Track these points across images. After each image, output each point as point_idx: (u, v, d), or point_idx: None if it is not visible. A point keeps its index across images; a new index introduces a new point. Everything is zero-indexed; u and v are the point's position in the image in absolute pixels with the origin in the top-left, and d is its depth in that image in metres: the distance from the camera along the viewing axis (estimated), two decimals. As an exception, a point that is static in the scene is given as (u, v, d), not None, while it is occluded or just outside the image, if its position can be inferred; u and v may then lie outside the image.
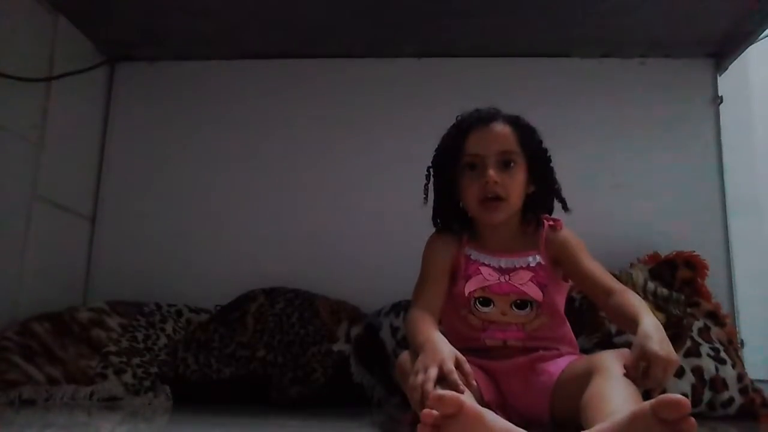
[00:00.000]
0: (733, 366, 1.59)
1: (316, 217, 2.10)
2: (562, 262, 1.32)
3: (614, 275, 1.77)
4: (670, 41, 2.06)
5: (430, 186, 1.38)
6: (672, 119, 2.09)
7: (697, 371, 1.56)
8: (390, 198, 2.08)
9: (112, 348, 1.73)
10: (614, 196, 2.05)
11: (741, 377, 1.58)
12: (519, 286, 1.27)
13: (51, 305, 1.81)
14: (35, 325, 1.69)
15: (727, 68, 2.09)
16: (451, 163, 1.32)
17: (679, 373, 1.55)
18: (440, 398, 0.83)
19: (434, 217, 1.39)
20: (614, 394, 0.97)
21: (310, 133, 2.17)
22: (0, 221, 1.74)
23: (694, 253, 1.81)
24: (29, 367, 1.57)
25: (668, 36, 2.03)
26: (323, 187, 2.13)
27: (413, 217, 2.07)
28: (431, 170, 1.37)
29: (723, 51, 2.07)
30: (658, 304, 1.70)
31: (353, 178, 2.13)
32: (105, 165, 2.22)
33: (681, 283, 1.76)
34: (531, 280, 1.28)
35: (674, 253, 1.83)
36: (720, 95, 2.09)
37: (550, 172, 1.36)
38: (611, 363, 1.05)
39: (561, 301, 1.33)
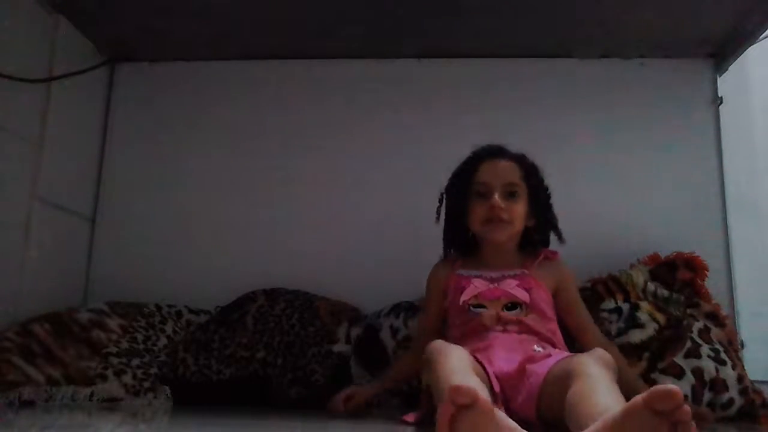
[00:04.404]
0: (734, 367, 1.59)
1: (316, 217, 2.10)
2: (556, 292, 1.49)
3: (614, 276, 1.80)
4: (670, 41, 2.06)
5: (443, 209, 1.56)
6: (672, 119, 2.08)
7: (697, 372, 1.56)
8: (390, 199, 2.08)
9: (112, 349, 1.73)
10: (614, 196, 2.05)
11: (741, 378, 1.58)
12: (508, 290, 1.43)
13: (51, 306, 1.81)
14: (35, 326, 1.69)
15: (727, 68, 2.09)
16: (462, 189, 1.50)
17: (679, 374, 1.56)
18: (457, 389, 0.84)
19: (444, 239, 1.58)
20: (601, 393, 0.98)
21: (310, 133, 2.17)
22: (0, 221, 1.74)
23: (694, 254, 1.81)
24: (29, 368, 1.57)
25: (668, 36, 2.03)
26: (323, 187, 2.13)
27: (413, 218, 2.08)
28: (444, 195, 1.56)
29: (723, 51, 2.06)
30: (658, 305, 1.70)
31: (353, 178, 2.13)
32: (105, 165, 2.21)
33: (681, 284, 1.76)
34: (517, 285, 1.44)
35: (674, 254, 1.83)
36: (720, 96, 2.08)
37: (550, 207, 1.55)
38: (590, 366, 1.07)
39: (547, 303, 1.46)
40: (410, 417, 1.30)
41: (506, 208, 1.44)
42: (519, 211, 1.47)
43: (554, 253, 1.53)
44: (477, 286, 1.44)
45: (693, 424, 0.79)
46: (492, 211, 1.44)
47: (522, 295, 1.41)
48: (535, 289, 1.44)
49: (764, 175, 2.09)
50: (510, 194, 1.46)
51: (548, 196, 1.54)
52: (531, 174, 1.51)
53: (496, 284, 1.44)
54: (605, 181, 2.06)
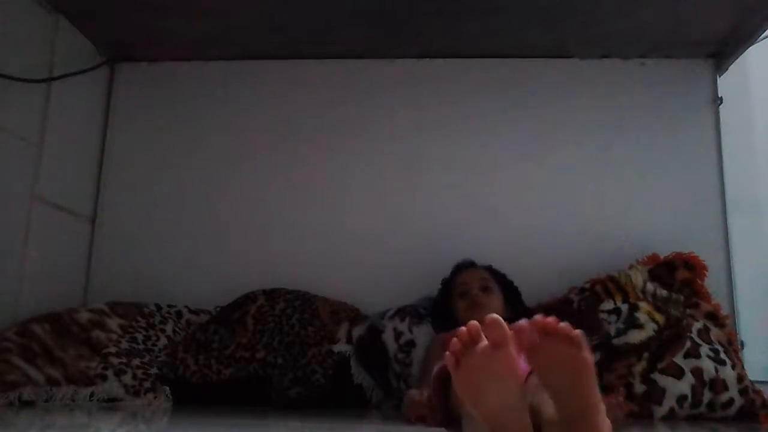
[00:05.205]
0: (733, 367, 1.59)
1: (316, 218, 2.10)
2: None
3: (613, 276, 1.80)
4: (670, 42, 2.06)
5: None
6: (672, 120, 2.08)
7: (697, 372, 1.56)
8: (390, 199, 2.08)
9: (112, 349, 1.73)
10: (613, 196, 2.05)
11: (741, 378, 1.58)
12: None
13: (51, 306, 1.81)
14: (35, 326, 1.69)
15: (727, 69, 2.09)
16: (447, 293, 1.78)
17: (679, 374, 1.56)
18: (495, 322, 0.88)
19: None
20: None
21: (310, 133, 2.17)
22: (0, 221, 1.74)
23: (693, 254, 1.81)
24: (29, 368, 1.57)
25: (668, 36, 2.03)
26: (323, 187, 2.13)
27: (413, 218, 2.08)
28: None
29: (723, 51, 2.07)
30: (657, 306, 1.70)
31: (353, 178, 2.13)
32: (105, 165, 2.22)
33: (680, 284, 1.77)
34: None
35: (673, 254, 1.83)
36: (720, 96, 2.09)
37: (523, 302, 1.78)
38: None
39: None
40: (430, 420, 1.29)
41: (484, 296, 1.69)
42: (495, 300, 1.70)
43: None
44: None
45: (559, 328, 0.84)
46: (471, 298, 1.68)
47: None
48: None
49: (764, 175, 2.09)
50: (484, 289, 1.71)
51: (519, 293, 1.79)
52: (500, 276, 1.78)
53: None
54: (605, 181, 2.06)
